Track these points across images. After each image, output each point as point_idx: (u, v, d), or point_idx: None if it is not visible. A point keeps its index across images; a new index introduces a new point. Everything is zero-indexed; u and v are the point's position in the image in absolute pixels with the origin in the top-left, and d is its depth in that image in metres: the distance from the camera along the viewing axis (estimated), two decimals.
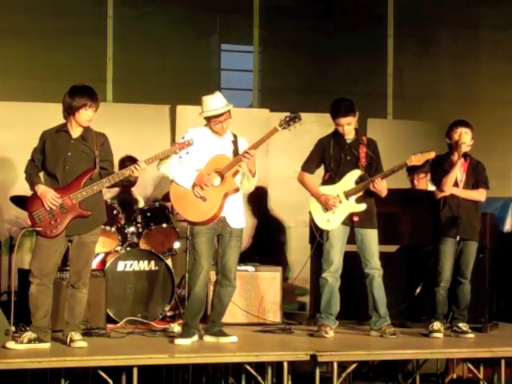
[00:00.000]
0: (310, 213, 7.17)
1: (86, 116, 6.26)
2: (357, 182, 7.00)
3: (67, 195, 6.18)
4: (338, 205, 6.97)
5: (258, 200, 9.25)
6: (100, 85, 9.71)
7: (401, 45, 10.65)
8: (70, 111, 6.23)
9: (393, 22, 10.63)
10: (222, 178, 6.56)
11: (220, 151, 6.62)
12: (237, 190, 6.61)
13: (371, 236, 7.02)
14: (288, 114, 6.68)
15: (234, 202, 6.62)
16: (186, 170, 6.57)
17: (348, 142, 7.07)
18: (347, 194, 6.98)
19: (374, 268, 7.00)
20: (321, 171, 7.20)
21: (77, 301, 6.34)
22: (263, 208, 9.38)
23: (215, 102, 6.58)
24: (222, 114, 6.57)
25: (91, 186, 6.21)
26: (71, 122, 6.28)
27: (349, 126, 7.01)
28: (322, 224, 7.05)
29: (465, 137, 7.07)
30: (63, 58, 9.83)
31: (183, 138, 6.53)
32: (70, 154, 6.24)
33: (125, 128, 8.83)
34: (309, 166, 7.18)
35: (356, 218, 6.98)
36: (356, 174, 7.00)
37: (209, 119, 6.61)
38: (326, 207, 7.00)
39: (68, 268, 6.50)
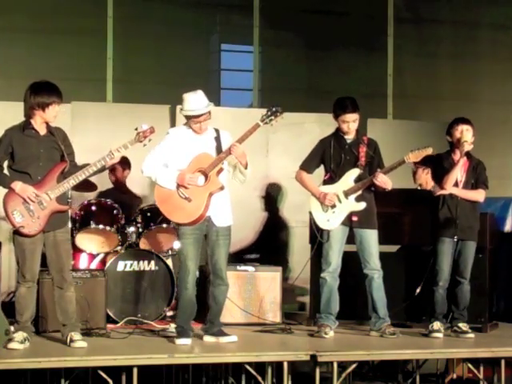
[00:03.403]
0: (310, 213, 7.17)
1: (55, 112, 6.25)
2: (356, 181, 7.00)
3: (43, 191, 6.15)
4: (335, 201, 6.97)
5: (257, 200, 9.25)
6: (100, 85, 9.73)
7: (401, 45, 10.65)
8: (38, 108, 6.19)
9: (393, 22, 10.63)
10: (205, 177, 6.53)
11: (202, 150, 6.57)
12: (222, 188, 6.54)
13: (370, 237, 7.01)
14: (269, 108, 6.65)
15: (219, 201, 6.57)
16: (169, 170, 6.54)
17: (348, 141, 7.07)
18: (347, 193, 6.98)
19: (374, 269, 7.00)
20: (322, 172, 7.20)
21: (67, 301, 6.32)
22: (263, 208, 9.37)
23: (196, 102, 6.51)
24: (201, 115, 6.55)
25: (67, 179, 6.19)
26: (36, 119, 6.24)
27: (354, 123, 7.01)
28: (322, 224, 7.05)
29: (466, 134, 7.06)
30: (63, 57, 9.83)
31: (142, 126, 6.42)
32: (42, 150, 6.22)
33: (125, 128, 8.78)
34: (308, 166, 7.18)
35: (355, 218, 6.98)
36: (355, 172, 7.00)
37: (188, 118, 6.59)
38: (324, 204, 6.99)
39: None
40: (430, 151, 6.88)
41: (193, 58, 10.67)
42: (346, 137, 7.07)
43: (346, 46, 10.77)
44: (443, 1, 10.80)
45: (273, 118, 6.59)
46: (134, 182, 8.77)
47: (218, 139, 6.66)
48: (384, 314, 7.03)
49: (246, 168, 6.57)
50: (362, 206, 6.97)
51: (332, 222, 7.02)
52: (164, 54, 10.41)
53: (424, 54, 10.72)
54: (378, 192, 7.04)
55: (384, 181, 6.90)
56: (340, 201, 7.00)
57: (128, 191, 8.60)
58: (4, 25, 9.68)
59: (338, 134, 7.09)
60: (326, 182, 7.12)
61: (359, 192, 6.98)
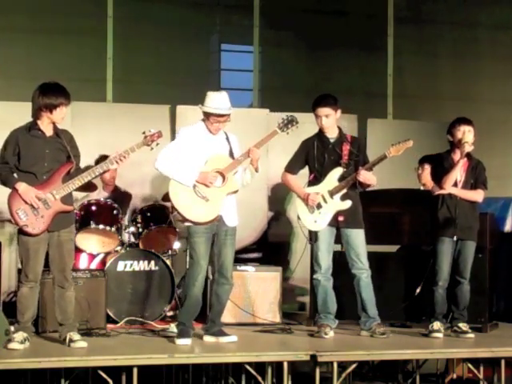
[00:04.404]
0: (297, 216, 7.15)
1: (62, 114, 6.28)
2: (339, 180, 6.99)
3: (48, 191, 6.16)
4: (320, 201, 6.96)
5: (258, 200, 9.24)
6: (100, 85, 9.72)
7: (401, 45, 10.65)
8: (45, 109, 6.21)
9: (393, 22, 10.63)
10: (223, 178, 6.56)
11: (216, 150, 6.62)
12: (236, 191, 6.62)
13: (357, 236, 7.00)
14: (285, 116, 6.70)
15: (229, 201, 6.62)
16: (186, 168, 6.56)
17: (331, 141, 7.08)
18: (332, 193, 6.97)
19: (362, 268, 6.99)
20: (307, 172, 7.20)
21: (67, 301, 6.34)
22: (264, 208, 9.37)
23: (221, 101, 6.56)
24: (223, 115, 6.57)
25: (72, 180, 6.21)
26: (43, 120, 6.26)
27: (327, 119, 7.00)
28: (309, 225, 7.05)
29: (468, 135, 7.05)
30: (63, 58, 9.83)
31: (150, 130, 6.46)
32: (47, 151, 6.24)
33: (125, 128, 8.83)
34: (292, 167, 7.19)
35: (341, 218, 6.96)
36: (338, 171, 7.00)
37: (208, 116, 6.60)
38: (308, 205, 6.99)
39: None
40: (410, 144, 6.88)
41: (193, 58, 10.66)
42: (328, 136, 7.08)
43: (346, 46, 10.76)
44: (443, 1, 10.79)
45: (289, 126, 6.68)
46: (135, 182, 8.78)
47: (228, 141, 6.71)
48: (374, 314, 7.03)
49: (257, 171, 6.64)
50: (348, 204, 6.96)
51: (319, 222, 7.01)
52: (164, 54, 10.40)
53: (424, 54, 10.71)
54: (363, 189, 7.04)
55: (367, 177, 6.90)
56: (325, 201, 6.99)
57: (116, 189, 8.59)
58: (4, 25, 9.67)
59: (321, 133, 7.10)
60: (310, 183, 7.12)
61: (344, 191, 6.97)
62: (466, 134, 7.05)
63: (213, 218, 6.53)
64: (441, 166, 7.16)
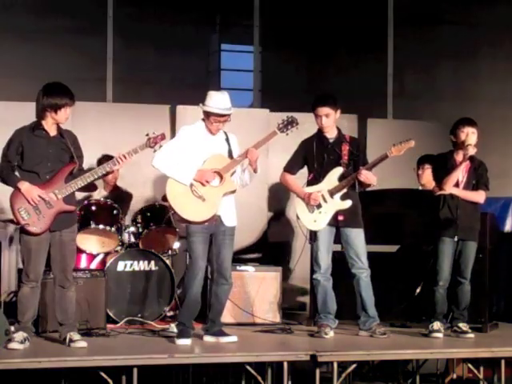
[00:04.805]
0: (297, 215, 7.15)
1: (67, 114, 6.30)
2: (340, 179, 6.98)
3: (51, 191, 6.18)
4: (320, 200, 6.96)
5: (258, 200, 9.24)
6: (100, 85, 9.73)
7: (401, 45, 10.66)
8: (50, 109, 6.23)
9: (393, 22, 10.63)
10: (220, 178, 6.57)
11: (215, 150, 6.62)
12: (234, 191, 6.63)
13: (356, 236, 6.99)
14: (285, 117, 6.71)
15: (227, 201, 6.63)
16: (185, 167, 6.56)
17: (331, 141, 7.08)
18: (332, 192, 6.96)
19: (361, 268, 6.99)
20: (306, 171, 7.20)
21: (68, 301, 6.35)
22: (264, 208, 9.37)
23: (223, 101, 6.57)
24: (223, 115, 6.57)
25: (75, 180, 6.23)
26: (48, 120, 6.28)
27: (327, 119, 7.00)
28: (309, 225, 7.04)
29: (471, 137, 6.99)
30: (63, 57, 9.84)
31: (154, 132, 6.48)
32: (51, 151, 6.26)
33: (125, 128, 8.83)
34: (291, 167, 7.19)
35: (341, 218, 6.96)
36: (338, 171, 6.99)
37: (208, 115, 6.61)
38: (309, 204, 6.98)
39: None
40: (412, 144, 6.86)
41: (193, 58, 10.68)
42: (328, 136, 7.07)
43: (346, 45, 10.77)
44: (443, 1, 10.79)
45: (289, 127, 6.69)
46: (137, 184, 8.78)
47: (227, 141, 6.71)
48: (373, 313, 7.02)
49: (255, 172, 6.65)
50: (348, 204, 6.96)
51: (319, 222, 7.00)
52: (164, 54, 10.41)
53: (424, 54, 10.72)
54: (363, 189, 7.04)
55: (368, 177, 6.89)
56: (325, 200, 6.98)
57: (117, 189, 8.59)
58: (4, 25, 9.69)
59: (320, 133, 7.10)
60: (310, 183, 7.11)
61: (344, 190, 6.97)
62: (470, 135, 7.01)
63: (209, 218, 6.53)
64: (443, 166, 7.14)
